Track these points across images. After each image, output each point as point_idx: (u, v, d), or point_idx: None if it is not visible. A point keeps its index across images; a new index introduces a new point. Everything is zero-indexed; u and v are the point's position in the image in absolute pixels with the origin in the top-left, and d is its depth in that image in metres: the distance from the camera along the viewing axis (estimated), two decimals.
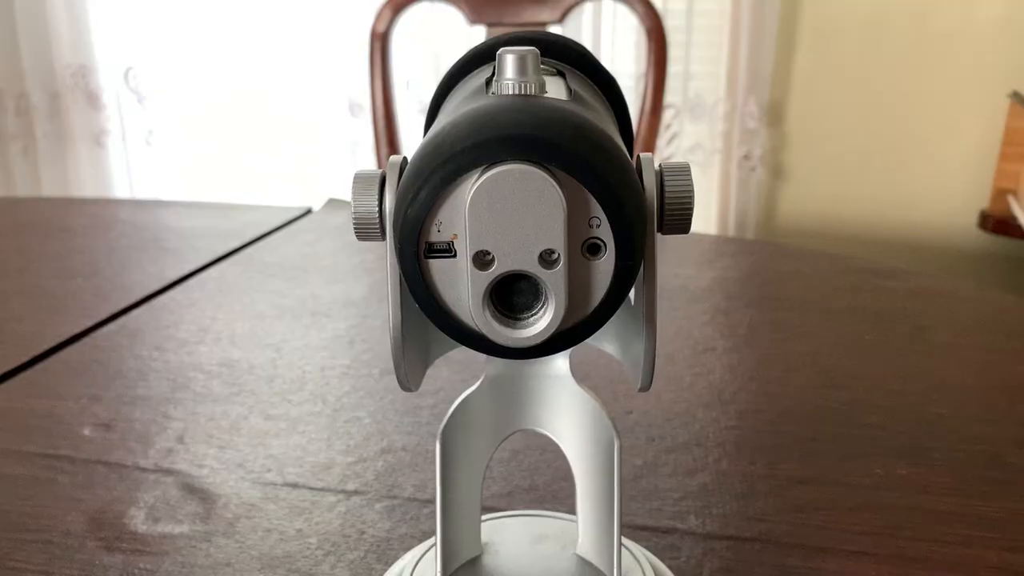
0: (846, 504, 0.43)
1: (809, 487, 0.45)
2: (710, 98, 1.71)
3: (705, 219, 1.76)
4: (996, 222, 1.48)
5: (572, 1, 1.25)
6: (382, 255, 0.87)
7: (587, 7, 1.65)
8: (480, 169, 0.24)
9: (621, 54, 1.64)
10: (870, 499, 0.44)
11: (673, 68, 1.59)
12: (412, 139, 1.79)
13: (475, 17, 1.28)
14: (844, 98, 1.70)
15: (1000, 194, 1.52)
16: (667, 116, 1.71)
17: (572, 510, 0.41)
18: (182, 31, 1.91)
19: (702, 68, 1.70)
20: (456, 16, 1.33)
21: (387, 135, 1.33)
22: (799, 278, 0.77)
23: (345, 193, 1.07)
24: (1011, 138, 1.48)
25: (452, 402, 0.34)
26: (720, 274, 0.77)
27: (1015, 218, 1.45)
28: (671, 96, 1.68)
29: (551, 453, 0.48)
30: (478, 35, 1.56)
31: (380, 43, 1.30)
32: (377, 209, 0.28)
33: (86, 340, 0.64)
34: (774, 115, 1.72)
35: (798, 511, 0.43)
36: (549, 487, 0.45)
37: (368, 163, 1.88)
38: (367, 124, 1.80)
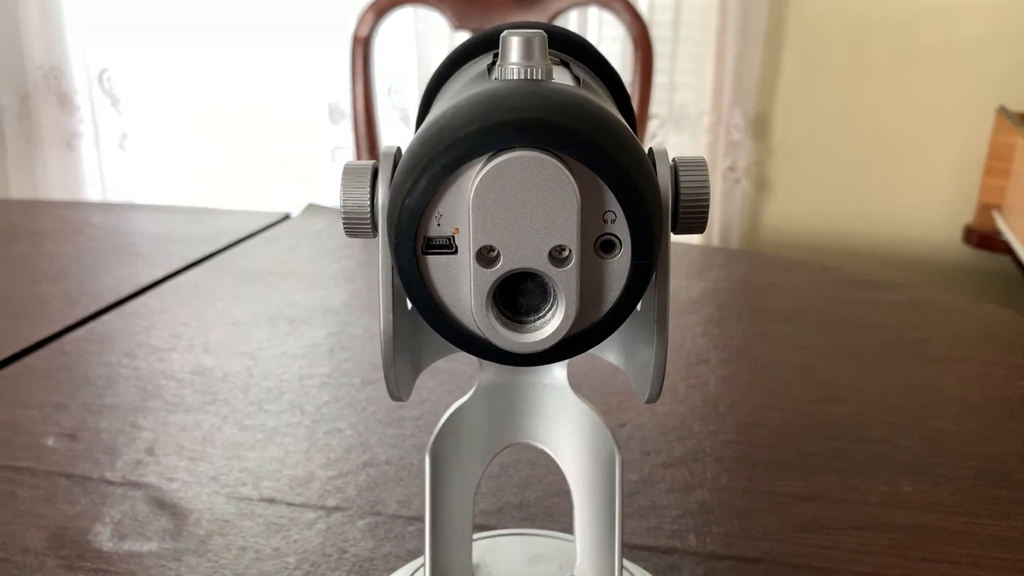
0: (852, 523, 0.42)
1: (813, 504, 0.43)
2: (695, 109, 1.70)
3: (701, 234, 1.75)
4: (980, 237, 1.48)
5: (558, 7, 1.24)
6: (363, 262, 0.85)
7: (572, 15, 1.64)
8: (486, 156, 0.22)
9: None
10: (876, 517, 0.42)
11: (658, 78, 1.58)
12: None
13: (459, 22, 1.26)
14: (830, 111, 1.69)
15: (984, 208, 1.52)
16: (652, 127, 1.69)
17: (566, 528, 0.39)
18: (159, 33, 1.87)
19: (687, 79, 1.69)
20: (439, 21, 1.32)
21: (368, 141, 1.31)
22: (790, 289, 0.75)
23: (325, 199, 1.04)
24: (996, 152, 1.48)
25: (438, 413, 0.32)
26: (711, 285, 0.75)
27: (999, 233, 1.44)
28: (656, 107, 1.66)
29: (542, 467, 0.45)
30: (462, 40, 1.54)
31: (362, 48, 1.28)
32: (369, 202, 0.25)
33: (52, 346, 0.61)
34: (759, 127, 1.71)
35: (802, 530, 0.41)
36: (541, 503, 0.43)
37: None
38: (347, 130, 1.78)
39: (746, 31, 1.62)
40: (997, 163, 1.48)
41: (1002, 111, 1.50)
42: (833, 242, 1.75)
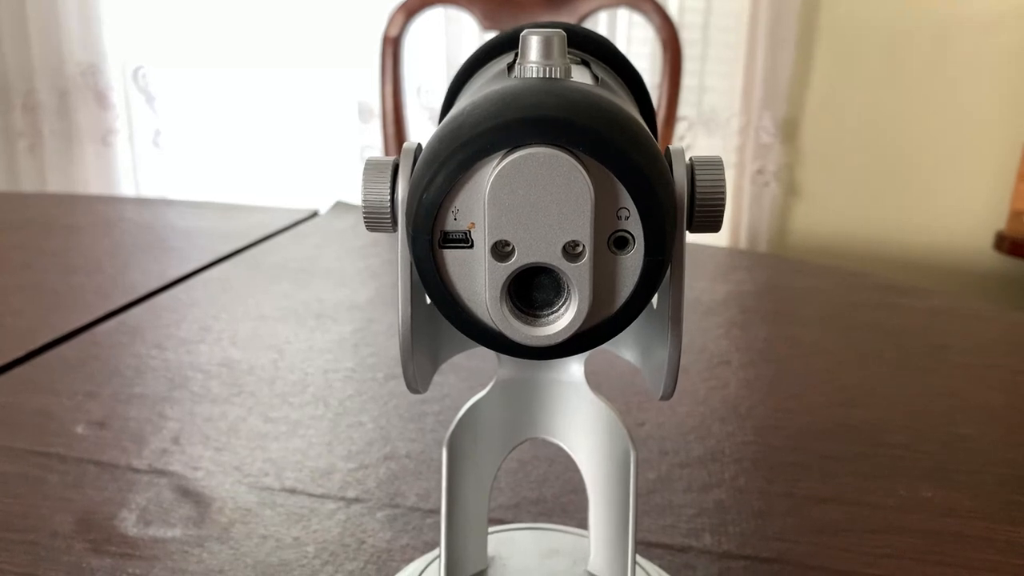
0: (869, 526, 0.41)
1: (830, 507, 0.43)
2: (724, 112, 1.70)
3: (717, 233, 1.74)
4: (1012, 244, 1.46)
5: (587, 9, 1.24)
6: (388, 259, 0.85)
7: (602, 16, 1.64)
8: (501, 153, 0.22)
9: (635, 64, 1.61)
10: (894, 521, 0.42)
11: (688, 81, 1.57)
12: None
13: (489, 23, 1.27)
14: (860, 115, 1.68)
15: (1017, 215, 1.50)
16: (680, 129, 1.69)
17: (583, 524, 0.40)
18: (193, 32, 1.90)
19: (717, 82, 1.69)
20: (469, 22, 1.32)
21: (396, 140, 1.32)
22: (816, 294, 0.75)
23: (353, 197, 1.05)
24: None
25: (458, 409, 0.32)
26: (735, 287, 0.75)
27: None
28: (685, 109, 1.66)
29: (560, 464, 0.46)
30: None
31: (392, 48, 1.29)
32: (389, 197, 0.26)
33: (84, 336, 0.62)
34: (789, 131, 1.70)
35: (819, 532, 0.41)
36: (558, 499, 0.43)
37: None
38: (377, 129, 1.79)
39: (777, 34, 1.61)
40: None
41: None
42: (862, 247, 1.73)
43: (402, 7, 1.27)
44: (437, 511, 0.42)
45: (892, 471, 0.46)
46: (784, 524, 0.42)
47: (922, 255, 1.71)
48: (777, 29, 1.61)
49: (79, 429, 0.49)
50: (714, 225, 0.26)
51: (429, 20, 1.55)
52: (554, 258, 0.23)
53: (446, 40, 1.74)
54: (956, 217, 1.68)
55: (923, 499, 0.44)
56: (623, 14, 1.66)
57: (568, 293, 0.23)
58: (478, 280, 0.23)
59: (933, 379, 0.58)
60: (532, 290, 0.24)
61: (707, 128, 1.71)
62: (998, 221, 1.60)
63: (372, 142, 1.86)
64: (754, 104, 1.65)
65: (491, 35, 1.33)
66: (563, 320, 0.23)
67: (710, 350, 0.62)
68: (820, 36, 1.67)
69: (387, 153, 1.33)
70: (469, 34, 1.71)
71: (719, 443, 0.49)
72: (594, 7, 1.24)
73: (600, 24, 1.65)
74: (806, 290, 0.76)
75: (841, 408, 0.53)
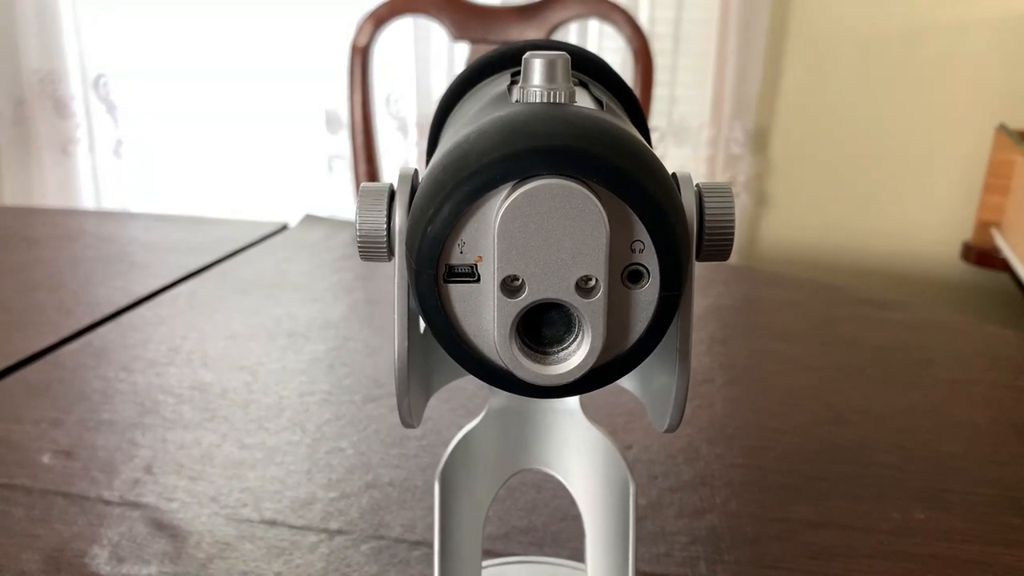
0: (864, 551, 0.41)
1: (824, 531, 0.42)
2: (695, 122, 1.70)
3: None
4: (979, 254, 1.48)
5: (558, 19, 1.23)
6: (360, 273, 0.83)
7: (572, 26, 1.63)
8: (511, 184, 0.21)
9: None
10: (889, 545, 0.41)
11: (658, 91, 1.57)
12: (390, 155, 1.76)
13: (458, 33, 1.26)
14: (829, 126, 1.69)
15: (983, 226, 1.52)
16: (651, 139, 1.69)
17: (574, 553, 0.39)
18: (156, 40, 1.86)
19: (687, 92, 1.69)
20: (439, 31, 1.31)
21: (365, 151, 1.30)
22: (795, 307, 0.75)
23: (322, 209, 1.03)
24: (995, 170, 1.48)
25: (442, 433, 0.31)
26: (714, 301, 0.75)
27: (998, 250, 1.44)
28: (655, 119, 1.66)
29: (549, 491, 0.45)
30: (461, 51, 1.53)
31: (360, 57, 1.27)
32: (385, 225, 0.25)
33: (48, 358, 0.60)
34: (759, 141, 1.71)
35: (814, 558, 0.40)
36: (548, 528, 0.42)
37: (345, 179, 1.84)
38: (345, 139, 1.77)
39: (747, 45, 1.62)
40: (996, 180, 1.48)
41: (1002, 129, 1.50)
42: (831, 257, 1.75)
43: (371, 16, 1.25)
44: (423, 542, 0.41)
45: (883, 492, 0.46)
46: (779, 550, 0.41)
47: (890, 264, 1.73)
48: (747, 40, 1.62)
49: (45, 459, 0.47)
50: (723, 254, 0.25)
51: (398, 29, 1.54)
52: (567, 294, 0.21)
53: (415, 50, 1.73)
54: (924, 227, 1.69)
55: (916, 522, 0.43)
56: (593, 24, 1.65)
57: (580, 329, 0.22)
58: (485, 316, 0.22)
59: (916, 395, 0.58)
60: (542, 326, 0.22)
61: (678, 138, 1.71)
62: (965, 231, 1.62)
63: (340, 152, 1.84)
64: (724, 115, 1.66)
65: (461, 45, 1.32)
66: (575, 358, 0.22)
67: (693, 367, 0.61)
68: (789, 47, 1.68)
69: (356, 163, 1.31)
70: (438, 44, 1.70)
71: (708, 466, 0.48)
72: (565, 17, 1.23)
73: (570, 35, 1.64)
74: (785, 304, 0.76)
75: (828, 427, 0.53)
